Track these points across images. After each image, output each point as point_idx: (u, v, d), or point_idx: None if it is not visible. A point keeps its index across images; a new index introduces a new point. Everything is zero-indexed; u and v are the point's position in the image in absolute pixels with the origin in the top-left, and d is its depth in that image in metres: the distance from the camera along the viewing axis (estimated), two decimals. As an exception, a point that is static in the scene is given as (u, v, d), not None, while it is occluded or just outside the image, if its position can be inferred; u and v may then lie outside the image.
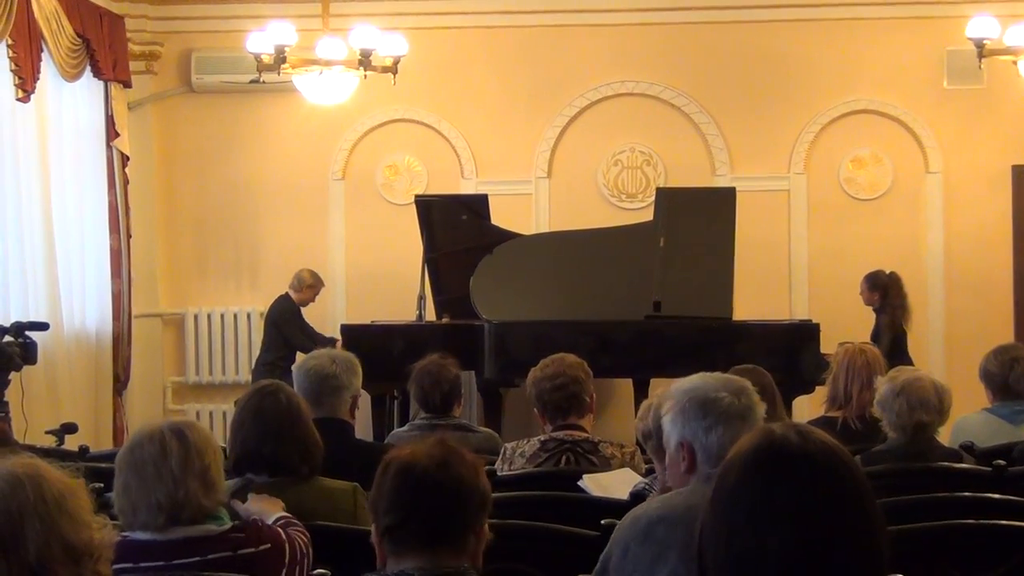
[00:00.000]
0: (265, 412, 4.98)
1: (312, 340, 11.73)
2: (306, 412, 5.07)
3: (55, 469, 3.11)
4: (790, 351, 10.64)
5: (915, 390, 5.91)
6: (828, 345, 10.04)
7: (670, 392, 4.19)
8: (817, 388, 9.59)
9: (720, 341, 10.65)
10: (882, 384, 6.08)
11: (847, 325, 11.38)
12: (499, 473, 5.94)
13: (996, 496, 5.20)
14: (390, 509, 3.39)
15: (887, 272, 11.78)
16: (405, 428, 7.16)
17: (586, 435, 6.17)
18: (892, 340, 11.23)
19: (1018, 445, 6.33)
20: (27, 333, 8.92)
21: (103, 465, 5.59)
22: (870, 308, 11.76)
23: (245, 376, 13.02)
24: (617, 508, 5.00)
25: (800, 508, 2.29)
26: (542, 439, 6.16)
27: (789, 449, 2.35)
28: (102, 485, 4.34)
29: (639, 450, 6.15)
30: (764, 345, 10.62)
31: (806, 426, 2.46)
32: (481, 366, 10.87)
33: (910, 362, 10.30)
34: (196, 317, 13.47)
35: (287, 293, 12.42)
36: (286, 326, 12.26)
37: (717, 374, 4.23)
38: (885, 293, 11.65)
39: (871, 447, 6.06)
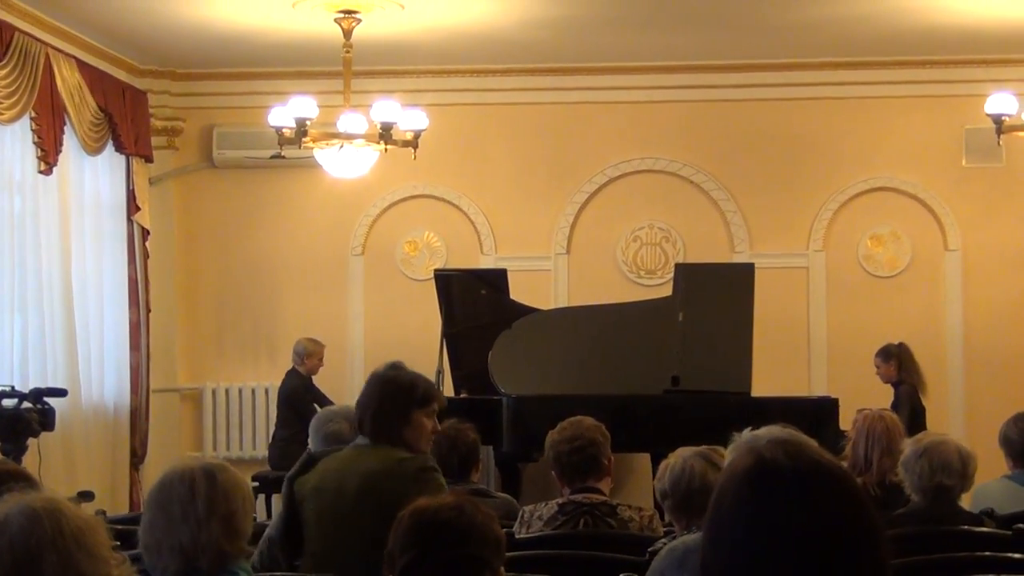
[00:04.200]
0: (373, 383, 5.44)
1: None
2: (416, 390, 5.40)
3: (74, 506, 3.10)
4: (809, 427, 10.53)
5: (938, 453, 5.89)
6: (847, 421, 9.98)
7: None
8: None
9: (739, 416, 10.54)
10: (907, 446, 6.06)
11: (866, 401, 11.15)
12: (517, 536, 5.91)
13: (1017, 556, 5.17)
14: (405, 549, 3.37)
15: (896, 343, 11.82)
16: (423, 494, 7.13)
17: (604, 498, 6.14)
18: (911, 412, 11.20)
19: (1038, 512, 6.29)
20: (45, 399, 8.93)
21: (119, 527, 5.58)
22: (888, 385, 11.77)
23: (263, 451, 13.01)
24: (635, 567, 4.99)
25: (796, 527, 2.28)
26: (560, 502, 6.13)
27: (779, 469, 2.35)
28: (119, 543, 4.33)
29: (657, 514, 6.13)
30: (783, 420, 10.52)
31: (796, 444, 2.43)
32: (499, 440, 10.84)
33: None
34: (214, 392, 13.48)
35: (294, 368, 12.44)
36: (299, 402, 12.25)
37: (777, 427, 4.22)
38: (900, 363, 11.68)
39: (891, 514, 6.02)
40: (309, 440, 6.30)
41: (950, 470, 5.88)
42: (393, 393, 5.35)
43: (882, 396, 11.68)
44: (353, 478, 5.17)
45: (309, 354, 12.42)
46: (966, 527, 5.80)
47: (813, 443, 2.45)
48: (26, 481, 4.20)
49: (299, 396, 12.30)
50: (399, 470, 5.16)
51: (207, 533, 3.91)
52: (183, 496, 3.94)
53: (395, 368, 5.48)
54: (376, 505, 5.01)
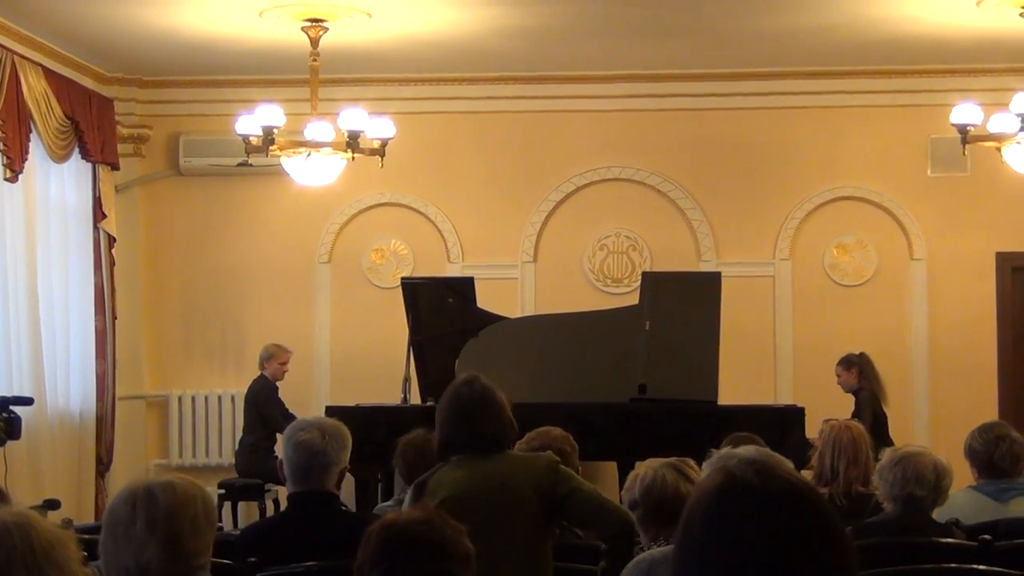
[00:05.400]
0: (457, 400, 5.55)
1: (289, 421, 11.67)
2: (498, 398, 5.54)
3: (45, 520, 3.10)
4: (775, 435, 10.56)
5: (913, 463, 5.92)
6: (813, 429, 10.03)
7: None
8: (801, 472, 9.57)
9: (705, 425, 10.61)
10: (886, 454, 6.11)
11: (832, 409, 11.32)
12: (485, 546, 5.90)
13: (982, 568, 5.19)
14: (375, 565, 3.36)
15: (857, 352, 11.90)
16: (390, 503, 7.13)
17: (572, 508, 6.14)
18: (873, 418, 11.26)
19: (1003, 522, 6.31)
20: (11, 408, 8.89)
21: (87, 537, 5.56)
22: (849, 393, 11.84)
23: (229, 458, 12.97)
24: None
25: (766, 545, 2.29)
26: (528, 512, 6.12)
27: (750, 489, 2.35)
28: (86, 553, 4.31)
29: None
30: (750, 429, 10.54)
31: (766, 462, 2.44)
32: (466, 448, 10.81)
33: (891, 444, 10.32)
34: (180, 399, 13.45)
35: (262, 374, 12.43)
36: (264, 406, 12.25)
37: (754, 447, 4.40)
38: (861, 371, 11.77)
39: (861, 522, 6.05)
40: (280, 448, 6.28)
41: (923, 481, 5.91)
42: (503, 405, 5.53)
43: (848, 405, 11.74)
44: (496, 484, 5.34)
45: (270, 356, 12.41)
46: (932, 538, 5.82)
47: (787, 463, 2.47)
48: (-1, 496, 4.17)
49: (264, 399, 12.29)
50: (539, 466, 5.40)
51: (147, 555, 3.81)
52: (125, 518, 3.87)
53: (481, 380, 5.64)
54: (531, 502, 5.29)
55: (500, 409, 5.49)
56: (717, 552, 2.31)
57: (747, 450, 4.40)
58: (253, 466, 12.12)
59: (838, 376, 11.92)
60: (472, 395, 5.50)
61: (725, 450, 4.47)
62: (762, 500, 2.33)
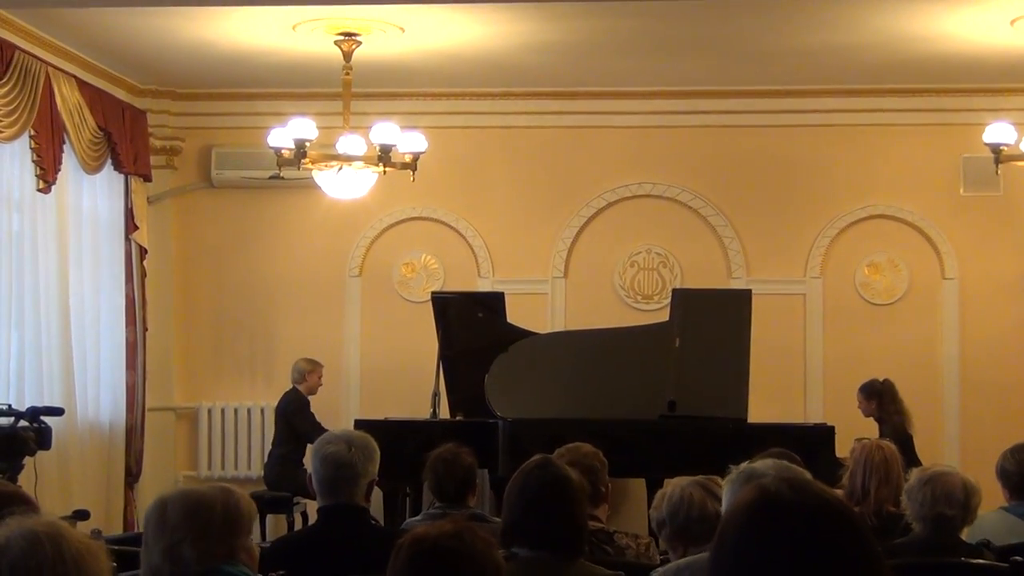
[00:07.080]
0: (528, 486, 4.89)
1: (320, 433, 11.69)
2: (575, 488, 4.91)
3: (75, 530, 3.10)
4: (805, 454, 10.49)
5: (942, 483, 5.90)
6: (843, 449, 9.98)
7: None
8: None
9: (735, 442, 10.58)
10: (913, 474, 6.08)
11: (862, 429, 11.29)
12: (513, 561, 5.88)
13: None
14: (405, 582, 3.35)
15: (880, 380, 11.81)
16: (418, 517, 7.12)
17: (601, 525, 6.13)
18: (898, 445, 11.17)
19: (1035, 543, 6.28)
20: (42, 418, 8.91)
21: (116, 547, 5.57)
22: (871, 419, 11.76)
23: (258, 471, 12.99)
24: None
25: (801, 561, 2.29)
26: (557, 528, 6.09)
27: (783, 503, 2.35)
28: (115, 564, 4.33)
29: (653, 541, 6.11)
30: (779, 447, 10.54)
31: (799, 478, 2.46)
32: (495, 464, 10.81)
33: (918, 464, 10.26)
34: (210, 411, 13.47)
35: (294, 387, 12.45)
36: (295, 417, 12.28)
37: (772, 460, 4.36)
38: (881, 401, 11.67)
39: (891, 542, 6.02)
40: (309, 461, 6.27)
41: (952, 501, 5.88)
42: (581, 498, 4.96)
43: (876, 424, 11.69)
44: None
45: (308, 372, 12.44)
46: (962, 559, 5.79)
47: (806, 473, 2.48)
48: (28, 505, 4.20)
49: (296, 411, 12.31)
50: None
51: (177, 551, 3.94)
52: (155, 520, 4.00)
53: (556, 465, 5.01)
54: None
55: (578, 502, 4.88)
56: (751, 567, 2.31)
57: (766, 464, 4.38)
58: (282, 479, 12.13)
59: (858, 402, 11.83)
60: (545, 480, 4.86)
61: (744, 465, 4.46)
62: (796, 515, 2.33)
